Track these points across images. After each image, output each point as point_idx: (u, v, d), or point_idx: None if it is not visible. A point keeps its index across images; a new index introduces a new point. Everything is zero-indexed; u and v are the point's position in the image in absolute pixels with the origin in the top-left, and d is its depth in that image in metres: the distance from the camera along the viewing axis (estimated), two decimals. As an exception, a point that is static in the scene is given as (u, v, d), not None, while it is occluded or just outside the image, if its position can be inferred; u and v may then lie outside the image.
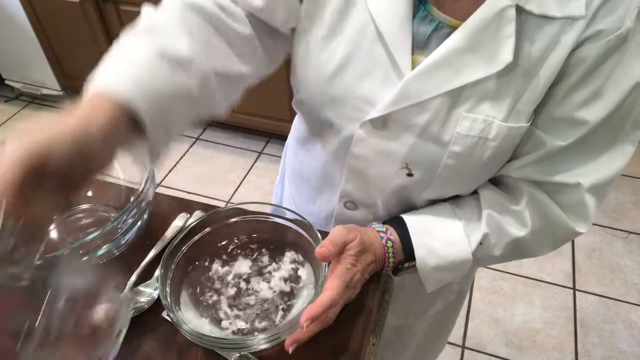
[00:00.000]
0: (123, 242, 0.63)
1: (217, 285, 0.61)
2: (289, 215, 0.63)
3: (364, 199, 0.67)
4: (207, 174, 2.22)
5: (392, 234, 0.62)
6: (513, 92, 0.52)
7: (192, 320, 0.57)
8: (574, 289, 1.77)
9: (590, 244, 1.91)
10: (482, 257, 0.62)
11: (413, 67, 0.53)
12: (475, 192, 0.64)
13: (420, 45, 0.54)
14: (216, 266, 0.63)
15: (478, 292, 1.76)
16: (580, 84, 0.51)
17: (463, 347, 1.61)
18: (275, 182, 0.94)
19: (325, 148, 0.66)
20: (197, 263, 0.63)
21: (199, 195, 2.10)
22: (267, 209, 0.66)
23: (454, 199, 0.65)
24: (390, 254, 0.61)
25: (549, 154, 0.55)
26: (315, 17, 0.56)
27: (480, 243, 0.61)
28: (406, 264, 0.62)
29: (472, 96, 0.52)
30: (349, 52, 0.55)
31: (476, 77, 0.51)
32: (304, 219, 0.61)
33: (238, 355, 0.55)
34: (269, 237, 0.66)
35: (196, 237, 0.62)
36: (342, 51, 0.55)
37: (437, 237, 0.61)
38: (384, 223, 0.64)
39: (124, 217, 0.60)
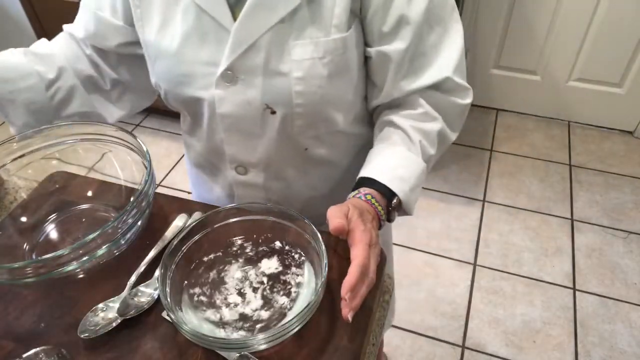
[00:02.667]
0: (123, 242, 0.63)
1: (217, 285, 0.61)
2: (289, 214, 0.63)
3: (248, 158, 0.75)
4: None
5: (364, 189, 0.66)
6: (326, 11, 0.61)
7: (192, 320, 0.57)
8: (574, 289, 1.77)
9: (590, 244, 1.91)
10: (426, 160, 0.71)
11: (235, 20, 0.63)
12: (390, 126, 0.72)
13: (234, 2, 0.63)
14: (216, 266, 0.63)
15: (478, 292, 1.76)
16: None
17: (463, 347, 1.61)
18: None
19: (201, 125, 0.74)
20: (197, 263, 0.63)
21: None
22: (267, 209, 0.66)
23: (379, 139, 0.73)
24: (376, 204, 0.65)
25: (405, 63, 0.66)
26: (145, 19, 0.68)
27: (420, 150, 0.70)
28: (393, 203, 0.67)
29: (293, 25, 0.62)
30: (183, 32, 0.65)
31: (287, 10, 0.61)
32: (304, 218, 0.61)
33: (238, 355, 0.55)
34: (269, 236, 0.66)
35: (196, 237, 0.62)
36: (178, 33, 0.65)
37: (396, 166, 0.68)
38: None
39: (124, 217, 0.60)
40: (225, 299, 0.60)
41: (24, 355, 0.54)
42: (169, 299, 0.55)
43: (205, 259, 0.64)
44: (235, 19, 0.63)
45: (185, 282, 0.61)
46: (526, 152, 2.32)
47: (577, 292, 1.75)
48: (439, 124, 0.71)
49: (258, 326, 0.57)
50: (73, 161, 0.76)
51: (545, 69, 2.33)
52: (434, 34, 0.65)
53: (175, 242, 0.59)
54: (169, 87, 0.70)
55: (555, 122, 2.48)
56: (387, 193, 0.66)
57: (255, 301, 0.60)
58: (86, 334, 0.56)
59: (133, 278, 0.62)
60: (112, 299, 0.60)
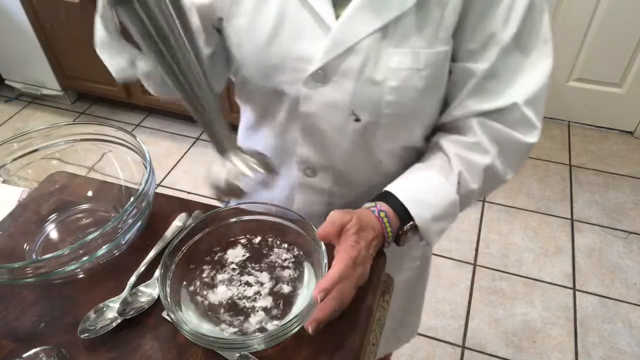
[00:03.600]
0: (123, 242, 0.63)
1: (217, 285, 0.61)
2: (289, 214, 0.63)
3: (321, 161, 0.70)
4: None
5: (382, 205, 0.64)
6: (432, 21, 0.58)
7: (192, 320, 0.57)
8: (574, 289, 1.77)
9: (590, 244, 1.91)
10: (464, 194, 0.66)
11: (337, 18, 0.59)
12: (436, 149, 0.69)
13: None
14: (216, 266, 0.63)
15: (478, 292, 1.76)
16: (486, 7, 0.58)
17: (463, 347, 1.61)
18: None
19: (275, 120, 0.70)
20: (197, 263, 0.63)
21: (199, 195, 2.10)
22: (267, 209, 0.66)
23: (420, 160, 0.70)
24: (387, 224, 0.63)
25: (478, 83, 0.62)
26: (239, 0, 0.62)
27: (459, 182, 0.65)
28: (405, 227, 0.64)
29: (397, 32, 0.58)
30: (278, 20, 0.60)
31: (395, 14, 0.57)
32: (304, 218, 0.61)
33: (238, 355, 0.55)
34: (269, 236, 0.66)
35: (196, 237, 0.62)
36: (271, 20, 0.61)
37: (423, 190, 0.65)
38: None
39: (124, 217, 0.60)
40: (226, 298, 0.60)
41: (24, 355, 0.54)
42: (169, 299, 0.55)
43: (206, 258, 0.64)
44: (337, 16, 0.59)
45: (185, 282, 0.61)
46: (526, 152, 2.32)
47: (577, 292, 1.75)
48: (488, 159, 0.65)
49: (258, 326, 0.57)
50: (73, 161, 0.76)
51: (545, 69, 2.33)
52: (514, 59, 0.61)
53: (175, 242, 0.59)
54: (251, 76, 0.66)
55: (555, 122, 2.48)
56: (403, 214, 0.64)
57: (255, 301, 0.60)
58: (86, 334, 0.56)
59: (133, 278, 0.62)
60: (112, 299, 0.60)
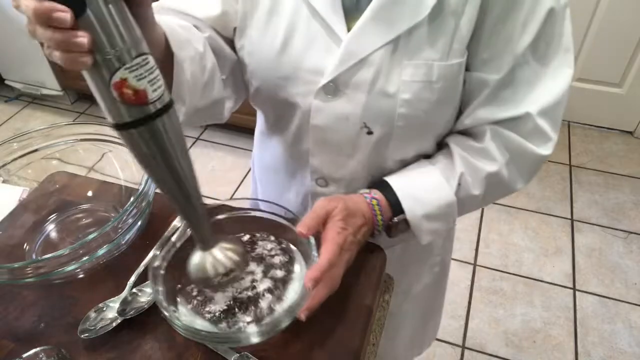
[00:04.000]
0: (123, 242, 0.63)
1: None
2: (277, 210, 0.64)
3: (332, 172, 0.69)
4: (208, 174, 2.22)
5: (376, 193, 0.64)
6: (446, 33, 0.56)
7: (186, 317, 0.57)
8: (574, 289, 1.77)
9: (590, 244, 1.91)
10: (464, 197, 0.65)
11: (349, 30, 0.57)
12: (444, 149, 0.68)
13: (352, 9, 0.58)
14: None
15: (478, 292, 1.76)
16: (503, 16, 0.56)
17: (463, 347, 1.61)
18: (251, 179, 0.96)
19: (288, 130, 0.69)
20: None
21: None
22: (255, 204, 0.67)
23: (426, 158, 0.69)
24: (378, 212, 0.63)
25: (492, 92, 0.60)
26: (252, 8, 0.61)
27: (459, 184, 0.64)
28: (395, 218, 0.64)
29: (409, 44, 0.57)
30: (289, 31, 0.60)
31: (408, 26, 0.55)
32: (295, 214, 0.62)
33: (238, 355, 0.55)
34: (261, 232, 0.66)
35: (189, 234, 0.62)
36: (282, 31, 0.60)
37: (420, 187, 0.64)
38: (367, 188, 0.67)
39: (124, 217, 0.60)
40: (219, 294, 0.60)
41: (24, 355, 0.54)
42: (161, 296, 0.55)
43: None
44: (349, 28, 0.58)
45: (179, 279, 0.61)
46: (526, 152, 2.32)
47: (577, 292, 1.75)
48: (494, 167, 0.64)
49: (250, 319, 0.57)
50: (73, 161, 0.76)
51: (545, 69, 2.33)
52: (530, 69, 0.59)
53: (169, 238, 0.59)
54: (262, 86, 0.65)
55: (555, 122, 2.48)
56: (395, 206, 0.64)
57: (247, 296, 0.60)
58: (86, 334, 0.56)
59: (133, 278, 0.62)
60: (112, 299, 0.60)
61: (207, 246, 0.54)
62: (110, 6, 0.36)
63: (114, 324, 0.58)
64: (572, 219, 2.01)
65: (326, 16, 0.57)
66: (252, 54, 0.63)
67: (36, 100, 2.69)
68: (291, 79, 0.62)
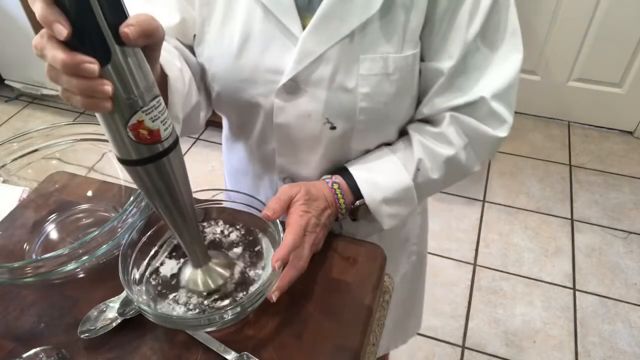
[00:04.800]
0: (123, 242, 0.63)
1: (184, 271, 0.62)
2: (244, 199, 0.65)
3: (299, 171, 0.72)
4: (207, 174, 2.22)
5: (337, 178, 0.67)
6: (398, 26, 0.58)
7: (164, 307, 0.58)
8: (574, 289, 1.77)
9: (590, 244, 1.91)
10: (423, 182, 0.67)
11: (304, 29, 0.59)
12: (403, 135, 0.70)
13: (305, 7, 0.59)
14: (180, 252, 0.64)
15: (478, 292, 1.76)
16: (451, 7, 0.58)
17: (463, 347, 1.61)
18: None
19: (252, 132, 0.71)
20: (157, 251, 0.63)
21: (199, 190, 2.09)
22: (226, 194, 0.68)
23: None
24: (339, 196, 0.65)
25: (447, 80, 0.62)
26: (209, 14, 0.62)
27: (418, 169, 0.66)
28: (357, 202, 0.67)
29: (364, 39, 0.59)
30: (245, 34, 0.61)
31: (360, 21, 0.57)
32: (260, 200, 0.63)
33: (237, 354, 0.55)
34: (228, 220, 0.67)
35: (155, 227, 0.63)
36: (238, 34, 0.61)
37: (378, 172, 0.66)
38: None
39: (124, 217, 0.60)
40: (192, 283, 0.60)
41: (24, 355, 0.54)
42: (129, 283, 0.56)
43: (169, 245, 0.64)
44: (304, 26, 0.59)
45: (149, 271, 0.61)
46: (526, 152, 2.32)
47: (577, 292, 1.75)
48: (452, 150, 0.66)
49: (223, 303, 0.58)
50: (73, 161, 0.76)
51: (545, 69, 2.33)
52: (480, 55, 0.62)
53: (133, 234, 0.60)
54: (224, 90, 0.66)
55: (555, 122, 2.48)
56: (355, 191, 0.66)
57: (219, 282, 0.60)
58: (86, 334, 0.56)
59: (133, 278, 0.62)
60: (112, 299, 0.60)
61: (199, 265, 0.58)
62: (130, 55, 0.38)
63: (114, 324, 0.58)
64: (572, 219, 2.01)
65: (280, 16, 0.59)
66: (211, 60, 0.65)
67: (36, 100, 2.69)
68: (251, 80, 0.63)
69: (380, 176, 0.66)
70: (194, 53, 0.67)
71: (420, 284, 1.06)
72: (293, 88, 0.62)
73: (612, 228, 1.97)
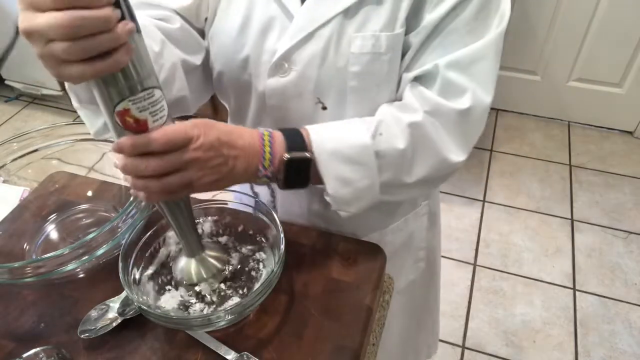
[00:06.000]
0: (123, 242, 0.63)
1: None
2: (245, 200, 0.65)
3: None
4: (207, 174, 2.22)
5: (275, 130, 0.59)
6: (390, 5, 0.58)
7: (164, 307, 0.58)
8: (574, 289, 1.77)
9: (590, 244, 1.91)
10: (386, 149, 0.60)
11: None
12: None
13: None
14: (180, 253, 0.64)
15: (478, 292, 1.76)
16: None
17: (463, 347, 1.61)
18: None
19: (247, 116, 0.70)
20: (153, 251, 0.64)
21: (199, 194, 2.10)
22: (227, 196, 0.68)
23: None
24: (266, 142, 0.57)
25: (413, 53, 0.61)
26: None
27: (380, 133, 0.60)
28: (290, 154, 0.57)
29: (356, 17, 0.59)
30: (247, 14, 0.61)
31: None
32: (262, 202, 0.64)
33: (237, 355, 0.55)
34: (228, 221, 0.67)
35: (155, 227, 0.63)
36: (242, 13, 0.62)
37: (331, 126, 0.61)
38: None
39: (124, 217, 0.60)
40: (191, 284, 0.60)
41: (24, 355, 0.54)
42: (129, 283, 0.56)
43: (168, 246, 0.64)
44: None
45: (150, 270, 0.62)
46: (526, 152, 2.32)
47: (577, 292, 1.75)
48: (417, 116, 0.60)
49: (224, 305, 0.58)
50: (73, 161, 0.76)
51: (545, 69, 2.33)
52: (446, 31, 0.58)
53: (132, 234, 0.60)
54: (224, 69, 0.66)
55: (555, 122, 2.48)
56: (295, 145, 0.58)
57: (218, 283, 0.61)
58: (86, 334, 0.56)
59: (133, 278, 0.62)
60: (112, 299, 0.60)
61: (193, 255, 0.59)
62: (132, 42, 0.41)
63: (114, 324, 0.58)
64: (572, 219, 2.01)
65: None
66: (213, 37, 0.65)
67: (36, 100, 2.69)
68: (247, 60, 0.63)
69: (332, 128, 0.61)
70: (203, 37, 0.67)
71: (431, 296, 1.02)
72: (284, 68, 0.61)
73: (612, 228, 1.97)
